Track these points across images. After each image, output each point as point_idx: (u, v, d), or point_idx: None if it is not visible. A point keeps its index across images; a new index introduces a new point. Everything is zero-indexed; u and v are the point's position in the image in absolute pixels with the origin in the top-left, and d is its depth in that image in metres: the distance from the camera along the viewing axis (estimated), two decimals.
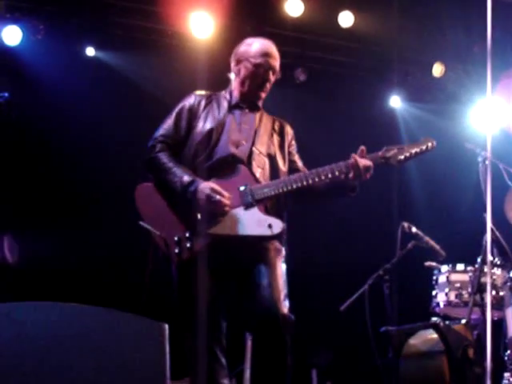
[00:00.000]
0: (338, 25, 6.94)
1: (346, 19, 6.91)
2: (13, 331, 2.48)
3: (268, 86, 3.73)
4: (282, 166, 3.68)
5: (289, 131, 3.85)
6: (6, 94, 5.99)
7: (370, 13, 6.95)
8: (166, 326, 2.63)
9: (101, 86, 6.62)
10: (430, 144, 3.61)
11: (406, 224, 5.06)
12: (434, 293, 5.30)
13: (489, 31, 3.61)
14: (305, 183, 3.51)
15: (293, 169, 3.73)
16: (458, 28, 6.91)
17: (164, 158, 3.57)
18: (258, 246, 3.50)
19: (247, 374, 5.57)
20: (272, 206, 3.56)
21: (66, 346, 2.49)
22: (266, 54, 3.70)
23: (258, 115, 3.75)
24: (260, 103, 3.79)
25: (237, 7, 6.65)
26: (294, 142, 3.85)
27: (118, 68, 6.79)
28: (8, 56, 6.38)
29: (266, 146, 3.66)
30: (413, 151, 3.56)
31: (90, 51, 6.73)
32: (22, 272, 6.32)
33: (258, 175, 3.55)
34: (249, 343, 5.48)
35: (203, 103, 3.70)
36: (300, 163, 3.80)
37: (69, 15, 6.53)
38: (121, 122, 6.63)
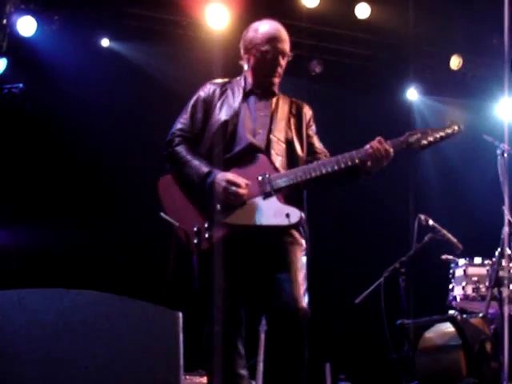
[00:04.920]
0: (355, 16, 6.89)
1: (362, 11, 6.86)
2: (25, 318, 2.47)
3: (280, 70, 3.67)
4: (300, 152, 3.63)
5: (307, 112, 3.77)
6: (21, 85, 6.01)
7: (386, 4, 6.90)
8: (180, 315, 2.60)
9: (115, 77, 6.60)
10: (456, 128, 3.52)
11: (422, 216, 5.02)
12: (450, 286, 5.23)
13: (506, 23, 3.53)
14: (324, 172, 3.47)
15: (311, 151, 3.68)
16: (476, 20, 6.84)
17: (182, 151, 3.57)
18: (277, 239, 3.47)
19: (260, 366, 5.53)
20: (291, 194, 3.52)
21: (79, 332, 2.47)
22: (273, 39, 3.62)
23: (273, 100, 3.70)
24: (275, 88, 3.72)
25: None
26: (312, 123, 3.78)
27: (133, 59, 6.78)
28: (23, 47, 6.36)
29: (283, 131, 3.62)
30: (437, 135, 3.49)
31: (105, 42, 6.72)
32: (44, 260, 6.35)
33: (277, 164, 3.52)
34: (262, 336, 5.44)
35: (218, 92, 3.67)
36: (318, 144, 3.74)
37: (84, 6, 6.52)
38: (135, 113, 6.63)
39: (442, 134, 3.49)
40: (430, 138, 3.47)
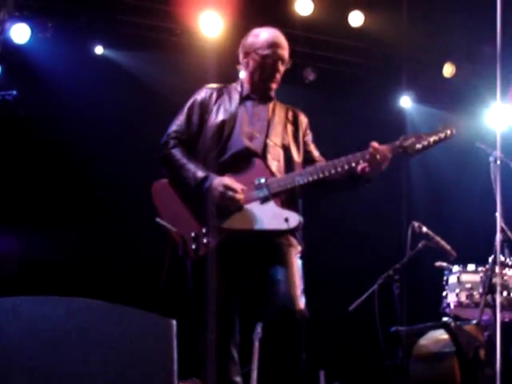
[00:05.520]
0: (348, 24, 6.92)
1: (355, 19, 6.88)
2: (18, 326, 2.44)
3: (278, 76, 3.68)
4: (297, 157, 3.64)
5: (303, 120, 3.79)
6: (14, 92, 5.98)
7: (380, 12, 6.92)
8: (174, 322, 2.59)
9: (109, 84, 6.60)
10: (449, 132, 3.53)
11: (416, 223, 5.02)
12: (444, 293, 5.21)
13: (499, 30, 3.55)
14: (321, 175, 3.47)
15: (308, 159, 3.69)
16: (469, 28, 6.87)
17: (177, 154, 3.56)
18: (273, 242, 3.47)
19: (254, 374, 5.52)
20: (288, 199, 3.52)
21: (72, 340, 2.45)
22: (273, 45, 3.65)
23: (270, 105, 3.71)
24: (272, 94, 3.73)
25: (246, 6, 6.62)
26: (308, 131, 3.80)
27: (127, 66, 6.80)
28: (16, 54, 6.37)
29: (280, 136, 3.62)
30: (431, 139, 3.49)
31: (99, 49, 6.73)
32: (38, 268, 6.34)
33: (273, 168, 3.52)
34: (256, 344, 5.43)
35: (214, 96, 3.68)
36: (316, 153, 3.75)
37: (77, 13, 6.53)
38: (129, 121, 6.63)
39: (435, 138, 3.50)
40: (424, 142, 3.48)
